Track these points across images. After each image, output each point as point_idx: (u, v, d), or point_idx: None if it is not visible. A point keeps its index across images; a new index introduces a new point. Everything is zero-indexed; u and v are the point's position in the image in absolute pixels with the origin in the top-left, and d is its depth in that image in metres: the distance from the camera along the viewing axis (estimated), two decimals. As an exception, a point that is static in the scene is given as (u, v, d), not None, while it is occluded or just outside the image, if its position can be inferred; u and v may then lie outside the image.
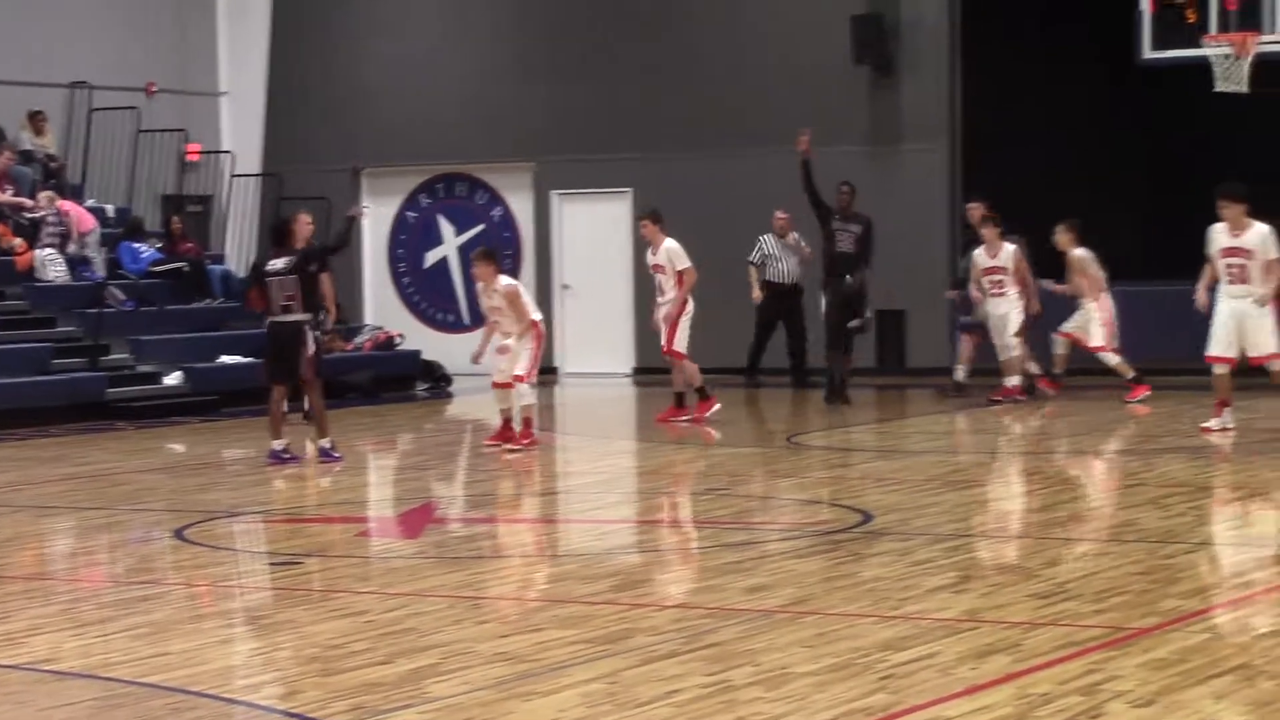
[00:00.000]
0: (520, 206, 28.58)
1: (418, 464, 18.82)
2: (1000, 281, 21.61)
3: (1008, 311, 21.55)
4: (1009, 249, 21.56)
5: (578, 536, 13.53)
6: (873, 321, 22.76)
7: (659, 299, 20.48)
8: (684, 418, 20.27)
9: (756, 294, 24.62)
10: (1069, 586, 10.38)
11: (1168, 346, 22.19)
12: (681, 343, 20.18)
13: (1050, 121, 26.50)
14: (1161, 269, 23.74)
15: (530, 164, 28.32)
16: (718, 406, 20.47)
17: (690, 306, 20.19)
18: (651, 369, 27.60)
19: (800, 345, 24.95)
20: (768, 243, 24.75)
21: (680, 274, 20.16)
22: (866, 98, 26.41)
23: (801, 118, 26.33)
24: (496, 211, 28.68)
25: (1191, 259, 18.51)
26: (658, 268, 20.42)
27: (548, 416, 21.74)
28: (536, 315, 18.08)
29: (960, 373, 22.36)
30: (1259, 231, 17.67)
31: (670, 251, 20.26)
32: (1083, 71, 25.78)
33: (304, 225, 18.52)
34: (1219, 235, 17.74)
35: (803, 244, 24.54)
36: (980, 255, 21.72)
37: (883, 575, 10.88)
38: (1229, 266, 17.66)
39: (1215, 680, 8.06)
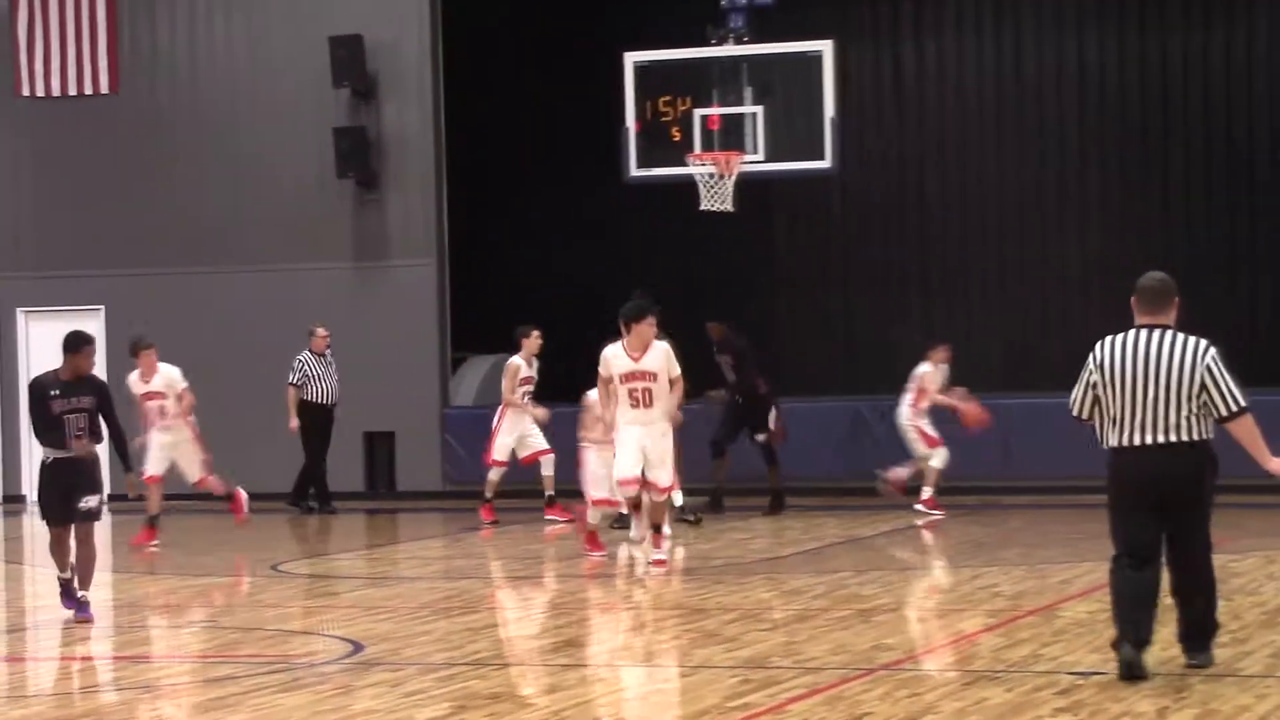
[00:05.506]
0: (-18, 324, 27.30)
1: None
2: None
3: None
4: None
5: (48, 676, 12.82)
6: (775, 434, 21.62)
7: (161, 422, 19.98)
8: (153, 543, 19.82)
9: (294, 423, 23.25)
10: (564, 714, 10.19)
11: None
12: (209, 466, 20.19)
13: (541, 234, 26.54)
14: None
15: (-9, 280, 27.14)
16: (155, 543, 19.96)
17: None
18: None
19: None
20: (309, 362, 23.54)
21: (180, 394, 20.00)
22: (352, 212, 25.89)
23: (286, 233, 25.86)
24: (-43, 329, 27.33)
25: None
26: (157, 395, 19.98)
27: (15, 548, 20.75)
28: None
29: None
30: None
31: (169, 376, 20.02)
32: (572, 185, 25.88)
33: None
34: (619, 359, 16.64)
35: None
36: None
37: (374, 707, 10.53)
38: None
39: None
